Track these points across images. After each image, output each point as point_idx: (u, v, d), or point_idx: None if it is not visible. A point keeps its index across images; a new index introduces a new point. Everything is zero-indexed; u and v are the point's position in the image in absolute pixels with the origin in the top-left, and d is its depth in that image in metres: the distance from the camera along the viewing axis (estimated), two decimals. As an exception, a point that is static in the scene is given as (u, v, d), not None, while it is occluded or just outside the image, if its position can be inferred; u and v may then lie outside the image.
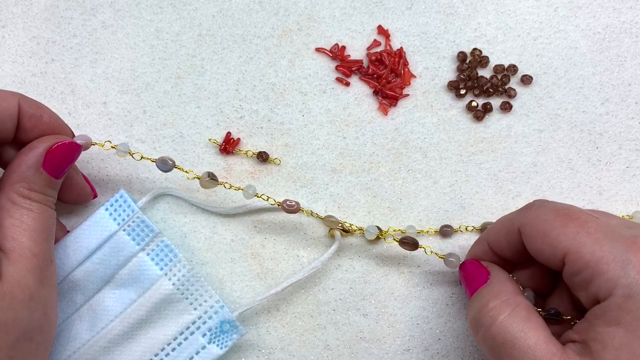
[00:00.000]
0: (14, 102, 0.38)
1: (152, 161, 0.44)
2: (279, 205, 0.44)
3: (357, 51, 0.51)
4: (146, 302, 0.41)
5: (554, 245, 0.34)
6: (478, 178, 0.48)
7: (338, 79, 0.50)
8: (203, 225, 0.46)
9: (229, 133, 0.48)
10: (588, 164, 0.48)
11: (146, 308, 0.41)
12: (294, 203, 0.44)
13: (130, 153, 0.44)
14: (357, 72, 0.50)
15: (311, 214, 0.44)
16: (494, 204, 0.47)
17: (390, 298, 0.45)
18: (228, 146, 0.48)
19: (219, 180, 0.44)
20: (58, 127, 0.40)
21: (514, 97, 0.49)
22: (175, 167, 0.44)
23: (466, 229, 0.46)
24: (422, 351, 0.44)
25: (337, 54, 0.50)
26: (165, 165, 0.43)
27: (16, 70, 0.49)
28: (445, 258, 0.43)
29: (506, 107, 0.49)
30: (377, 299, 0.45)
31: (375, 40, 0.51)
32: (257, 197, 0.44)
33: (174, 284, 0.42)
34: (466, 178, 0.48)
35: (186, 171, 0.44)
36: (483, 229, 0.46)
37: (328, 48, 0.51)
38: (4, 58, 0.50)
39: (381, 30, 0.51)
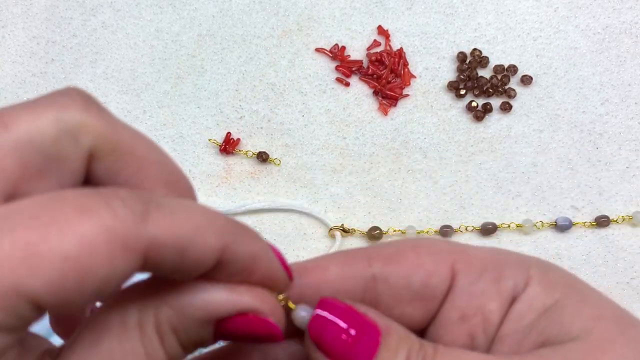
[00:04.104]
0: (213, 243, 0.20)
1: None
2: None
3: (357, 51, 0.51)
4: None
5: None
6: (478, 178, 0.48)
7: (338, 79, 0.50)
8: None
9: (229, 133, 0.48)
10: (588, 164, 0.48)
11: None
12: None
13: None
14: (357, 72, 0.50)
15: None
16: (494, 204, 0.47)
17: (390, 298, 0.45)
18: (228, 146, 0.48)
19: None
20: (272, 281, 0.22)
21: (514, 97, 0.50)
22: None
23: (466, 229, 0.46)
24: (422, 351, 0.44)
25: (337, 54, 0.50)
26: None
27: (16, 70, 0.49)
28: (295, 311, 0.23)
29: (506, 108, 0.49)
30: (377, 299, 0.45)
31: (375, 41, 0.51)
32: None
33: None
34: (466, 178, 0.48)
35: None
36: (483, 228, 0.46)
37: (328, 48, 0.51)
38: (4, 58, 0.50)
39: (381, 31, 0.51)
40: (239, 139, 0.48)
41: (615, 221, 0.46)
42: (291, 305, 0.22)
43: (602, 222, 0.46)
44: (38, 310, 0.17)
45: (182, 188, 0.22)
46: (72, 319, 0.23)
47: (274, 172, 0.48)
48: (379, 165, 0.48)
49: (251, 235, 0.21)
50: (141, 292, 0.20)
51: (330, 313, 0.22)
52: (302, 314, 0.22)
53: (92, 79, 0.49)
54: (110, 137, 0.20)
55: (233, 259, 0.20)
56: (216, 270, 0.20)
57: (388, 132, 0.49)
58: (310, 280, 0.23)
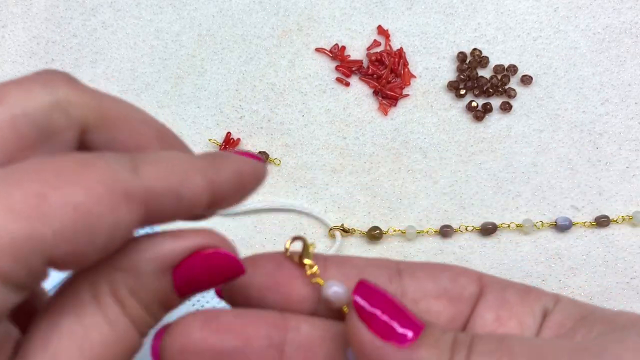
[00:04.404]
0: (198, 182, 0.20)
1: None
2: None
3: (357, 51, 0.51)
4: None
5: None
6: (478, 178, 0.48)
7: (338, 79, 0.50)
8: (203, 225, 0.46)
9: (229, 133, 0.48)
10: (588, 164, 0.48)
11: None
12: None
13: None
14: (357, 72, 0.50)
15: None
16: (494, 204, 0.47)
17: (390, 298, 0.45)
18: (228, 146, 0.48)
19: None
20: (257, 178, 0.23)
21: (514, 97, 0.50)
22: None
23: (466, 229, 0.46)
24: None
25: (337, 54, 0.50)
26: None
27: (16, 70, 0.49)
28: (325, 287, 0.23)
29: (506, 107, 0.49)
30: (377, 299, 0.45)
31: (375, 40, 0.51)
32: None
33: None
34: (466, 178, 0.48)
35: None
36: (483, 228, 0.46)
37: (328, 48, 0.51)
38: (4, 58, 0.50)
39: (381, 31, 0.51)
40: (239, 139, 0.48)
41: (615, 221, 0.46)
42: (320, 280, 0.22)
43: (602, 222, 0.46)
44: (48, 264, 0.17)
45: (172, 142, 0.22)
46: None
47: (274, 172, 0.48)
48: (379, 165, 0.48)
49: (226, 159, 0.21)
50: (89, 269, 0.20)
51: (367, 299, 0.20)
52: (335, 289, 0.22)
53: (92, 79, 0.49)
54: (97, 108, 0.20)
55: (223, 186, 0.21)
56: (215, 202, 0.21)
57: (388, 132, 0.49)
58: (335, 259, 0.23)
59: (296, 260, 0.23)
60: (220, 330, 0.21)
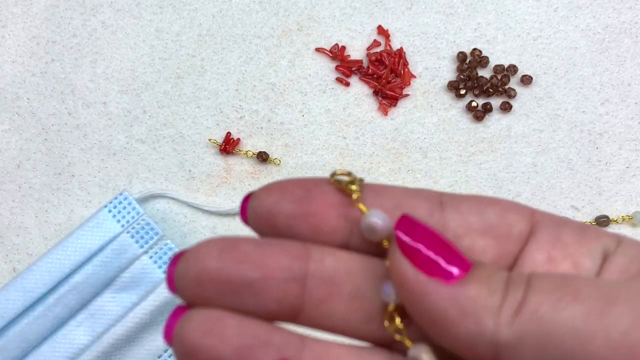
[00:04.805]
0: None
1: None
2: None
3: (357, 51, 0.51)
4: (149, 306, 0.41)
5: None
6: (478, 178, 0.48)
7: (338, 79, 0.50)
8: (203, 225, 0.46)
9: (229, 133, 0.48)
10: (588, 164, 0.48)
11: (149, 311, 0.41)
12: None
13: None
14: (357, 72, 0.50)
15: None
16: (494, 204, 0.47)
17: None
18: (228, 146, 0.48)
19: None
20: None
21: (514, 97, 0.50)
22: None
23: (466, 229, 0.46)
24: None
25: (337, 54, 0.50)
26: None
27: (16, 70, 0.49)
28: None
29: (506, 107, 0.49)
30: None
31: (375, 40, 0.51)
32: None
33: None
34: (466, 178, 0.48)
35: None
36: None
37: (328, 48, 0.51)
38: (4, 58, 0.50)
39: (381, 30, 0.51)
40: (239, 139, 0.48)
41: (615, 221, 0.46)
42: (363, 207, 0.20)
43: (602, 222, 0.46)
44: None
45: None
46: None
47: (274, 172, 0.48)
48: (379, 165, 0.48)
49: None
50: None
51: (409, 234, 0.19)
52: (374, 219, 0.20)
53: (92, 79, 0.49)
54: None
55: None
56: None
57: (388, 132, 0.49)
58: (373, 187, 0.21)
59: (342, 185, 0.20)
60: (239, 259, 0.20)
